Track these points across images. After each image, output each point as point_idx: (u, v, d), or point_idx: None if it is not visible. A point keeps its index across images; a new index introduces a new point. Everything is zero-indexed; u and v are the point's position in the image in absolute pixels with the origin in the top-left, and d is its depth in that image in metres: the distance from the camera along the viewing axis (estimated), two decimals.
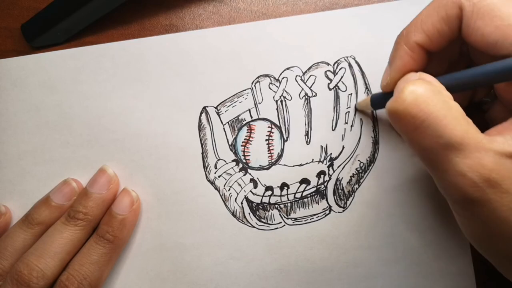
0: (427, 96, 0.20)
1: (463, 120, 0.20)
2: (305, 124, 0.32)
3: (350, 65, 0.32)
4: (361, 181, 0.31)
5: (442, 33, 0.22)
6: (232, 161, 0.32)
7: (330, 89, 0.32)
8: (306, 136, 0.31)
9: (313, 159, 0.31)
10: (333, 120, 0.31)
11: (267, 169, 0.32)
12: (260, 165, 0.32)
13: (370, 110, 0.31)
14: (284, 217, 0.31)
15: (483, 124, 0.22)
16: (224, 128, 0.32)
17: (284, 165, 0.31)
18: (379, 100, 0.27)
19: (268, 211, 0.31)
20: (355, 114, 0.31)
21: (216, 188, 0.32)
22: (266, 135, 0.32)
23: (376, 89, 0.31)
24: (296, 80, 0.32)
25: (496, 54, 0.21)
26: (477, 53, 0.25)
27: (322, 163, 0.31)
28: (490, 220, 0.19)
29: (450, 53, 0.25)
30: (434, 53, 0.24)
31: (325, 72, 0.32)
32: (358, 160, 0.31)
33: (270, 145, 0.32)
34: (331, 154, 0.31)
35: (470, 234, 0.22)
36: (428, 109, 0.20)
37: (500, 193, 0.19)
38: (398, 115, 0.21)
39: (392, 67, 0.24)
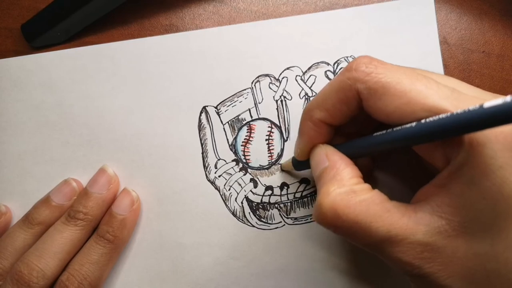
0: (345, 205, 0.21)
1: (384, 212, 0.20)
2: None
3: None
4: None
5: (343, 112, 0.23)
6: (232, 161, 0.32)
7: None
8: None
9: None
10: None
11: (267, 169, 0.32)
12: (260, 165, 0.32)
13: (294, 171, 0.31)
14: (284, 216, 0.31)
15: None
16: (224, 128, 0.32)
17: None
18: (299, 163, 0.28)
19: (268, 210, 0.31)
20: None
21: (216, 188, 0.32)
22: (266, 135, 0.32)
23: None
24: (296, 80, 0.32)
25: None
26: None
27: None
28: None
29: (357, 119, 0.25)
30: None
31: (325, 72, 0.32)
32: None
33: (270, 145, 0.32)
34: None
35: None
36: (349, 218, 0.20)
37: (437, 266, 0.19)
38: (326, 226, 0.22)
39: (300, 140, 0.26)
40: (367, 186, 0.22)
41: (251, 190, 0.32)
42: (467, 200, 0.19)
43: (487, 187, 0.18)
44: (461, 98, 0.19)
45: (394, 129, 0.21)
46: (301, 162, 0.27)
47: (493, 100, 0.16)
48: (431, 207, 0.20)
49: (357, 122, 0.24)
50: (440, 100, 0.19)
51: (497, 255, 0.19)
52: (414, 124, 0.19)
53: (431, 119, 0.19)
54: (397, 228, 0.20)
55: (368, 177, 0.23)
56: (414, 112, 0.19)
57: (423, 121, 0.19)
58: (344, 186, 0.21)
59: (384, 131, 0.21)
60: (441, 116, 0.18)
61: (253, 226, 0.31)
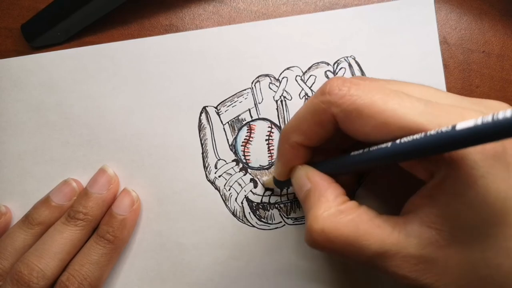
0: (334, 228, 0.21)
1: (374, 228, 0.20)
2: None
3: (350, 65, 0.32)
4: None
5: (319, 134, 0.23)
6: (232, 161, 0.32)
7: None
8: None
9: None
10: None
11: (267, 169, 0.32)
12: (260, 165, 0.32)
13: (276, 188, 0.31)
14: (284, 216, 0.31)
15: None
16: (224, 128, 0.32)
17: None
18: (280, 182, 0.28)
19: (268, 210, 0.31)
20: None
21: (216, 188, 0.32)
22: (266, 135, 0.32)
23: None
24: (296, 80, 0.32)
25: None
26: None
27: None
28: None
29: (335, 136, 0.25)
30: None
31: (325, 72, 0.32)
32: None
33: (270, 145, 0.32)
34: None
35: None
36: (340, 240, 0.21)
37: (433, 277, 0.20)
38: (319, 250, 0.22)
39: (279, 162, 0.26)
40: (353, 203, 0.22)
41: (251, 190, 0.32)
42: (454, 210, 0.19)
43: (471, 197, 0.18)
44: (435, 111, 0.19)
45: (371, 149, 0.21)
46: (282, 181, 0.27)
47: (464, 122, 0.16)
48: (420, 218, 0.20)
49: (336, 139, 0.24)
50: (414, 116, 0.19)
51: (488, 262, 0.19)
52: (389, 144, 0.19)
53: (405, 139, 0.19)
54: (389, 243, 0.20)
55: (353, 193, 0.23)
56: (390, 132, 0.19)
57: (398, 141, 0.19)
58: (331, 207, 0.21)
59: (361, 151, 0.21)
60: (415, 136, 0.18)
61: (253, 226, 0.31)
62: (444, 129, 0.17)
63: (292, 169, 0.25)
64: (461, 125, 0.16)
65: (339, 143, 0.25)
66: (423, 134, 0.18)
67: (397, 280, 0.20)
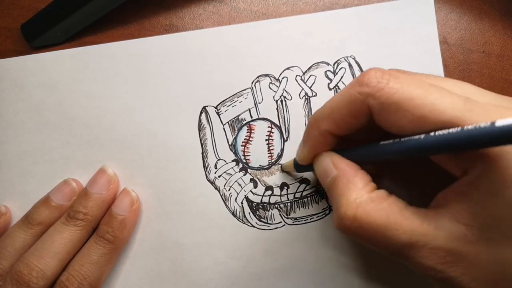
0: (366, 215, 0.21)
1: (404, 219, 0.21)
2: (305, 124, 0.32)
3: (350, 65, 0.32)
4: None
5: (351, 124, 0.23)
6: (232, 161, 0.32)
7: (330, 89, 0.32)
8: None
9: None
10: None
11: (267, 169, 0.32)
12: (260, 165, 0.32)
13: (295, 172, 0.31)
14: (284, 216, 0.31)
15: None
16: (224, 128, 0.32)
17: None
18: (301, 166, 0.27)
19: (268, 210, 0.31)
20: None
21: (216, 188, 0.32)
22: (266, 135, 0.32)
23: None
24: (296, 80, 0.32)
25: None
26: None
27: None
28: None
29: (364, 128, 0.24)
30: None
31: (325, 72, 0.32)
32: None
33: (270, 145, 0.32)
34: None
35: None
36: (371, 227, 0.21)
37: (460, 270, 0.20)
38: (349, 236, 0.22)
39: (304, 146, 0.25)
40: (383, 192, 0.22)
41: (251, 190, 0.32)
42: (486, 208, 0.19)
43: (506, 196, 0.18)
44: (474, 108, 0.19)
45: (402, 139, 0.20)
46: (303, 165, 0.27)
47: (504, 119, 0.16)
48: (450, 213, 0.20)
49: (363, 131, 0.24)
50: (452, 112, 0.19)
51: None
52: (422, 136, 0.19)
53: (440, 132, 0.18)
54: (418, 234, 0.20)
55: (378, 180, 0.23)
56: (426, 126, 0.19)
57: (432, 133, 0.19)
58: (362, 195, 0.22)
59: (391, 141, 0.21)
60: (450, 130, 0.18)
61: (253, 226, 0.31)
62: (482, 124, 0.16)
63: (316, 155, 0.25)
64: (501, 122, 0.16)
65: (365, 135, 0.25)
66: (459, 128, 0.18)
67: (422, 272, 0.20)
